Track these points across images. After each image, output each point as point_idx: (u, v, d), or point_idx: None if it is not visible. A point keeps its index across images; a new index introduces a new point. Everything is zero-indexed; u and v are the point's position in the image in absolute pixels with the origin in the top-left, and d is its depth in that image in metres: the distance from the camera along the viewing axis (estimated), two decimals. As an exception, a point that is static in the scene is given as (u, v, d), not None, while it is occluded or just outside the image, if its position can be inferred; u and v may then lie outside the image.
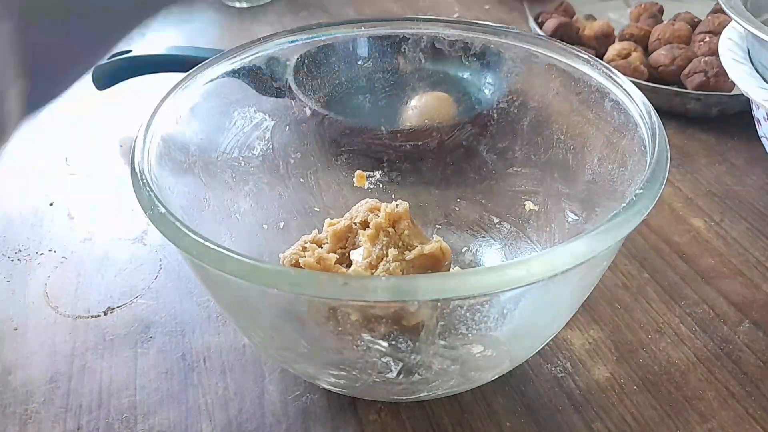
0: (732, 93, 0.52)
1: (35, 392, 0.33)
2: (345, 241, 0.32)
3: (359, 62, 0.38)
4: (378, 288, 0.21)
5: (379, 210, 0.32)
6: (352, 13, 0.76)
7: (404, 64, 0.38)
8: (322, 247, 0.32)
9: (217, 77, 0.33)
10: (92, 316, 0.37)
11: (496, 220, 0.38)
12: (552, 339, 0.31)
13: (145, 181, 0.25)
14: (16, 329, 0.36)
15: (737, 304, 0.37)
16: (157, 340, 0.35)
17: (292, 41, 0.36)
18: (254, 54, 0.35)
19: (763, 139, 0.45)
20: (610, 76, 0.31)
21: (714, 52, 0.54)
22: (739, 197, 0.45)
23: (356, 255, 0.31)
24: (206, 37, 0.71)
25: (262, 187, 0.36)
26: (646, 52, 0.60)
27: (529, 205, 0.37)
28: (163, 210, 0.23)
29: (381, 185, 0.40)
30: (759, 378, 0.33)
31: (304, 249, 0.31)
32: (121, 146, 0.52)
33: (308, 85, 0.38)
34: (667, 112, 0.53)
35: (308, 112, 0.38)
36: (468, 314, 0.26)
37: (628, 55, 0.58)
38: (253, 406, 0.32)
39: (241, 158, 0.36)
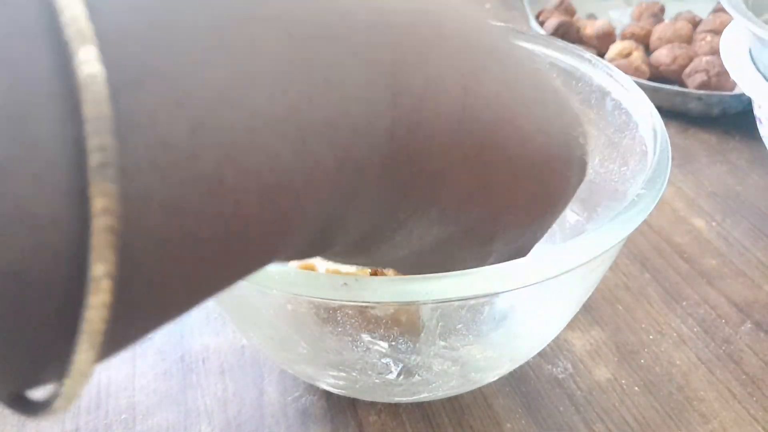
0: (733, 92, 0.52)
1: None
2: None
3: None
4: (378, 289, 0.21)
5: None
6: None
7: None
8: None
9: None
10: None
11: (497, 220, 0.38)
12: (553, 340, 0.31)
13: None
14: (14, 330, 0.36)
15: (739, 305, 0.37)
16: (155, 340, 0.35)
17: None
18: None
19: (764, 139, 0.45)
20: (611, 76, 0.31)
21: (715, 52, 0.54)
22: (741, 197, 0.45)
23: None
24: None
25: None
26: (648, 51, 0.60)
27: (529, 205, 0.37)
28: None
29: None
30: (760, 378, 0.33)
31: None
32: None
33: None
34: (668, 112, 0.53)
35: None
36: (468, 315, 0.26)
37: (629, 54, 0.57)
38: (252, 407, 0.32)
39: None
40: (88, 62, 0.09)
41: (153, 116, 0.10)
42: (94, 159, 0.09)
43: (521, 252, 0.21)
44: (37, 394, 0.12)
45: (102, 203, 0.09)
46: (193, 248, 0.11)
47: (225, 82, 0.11)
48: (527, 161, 0.17)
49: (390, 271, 0.29)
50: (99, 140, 0.09)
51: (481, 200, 0.17)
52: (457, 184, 0.16)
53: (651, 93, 0.31)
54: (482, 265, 0.21)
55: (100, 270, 0.09)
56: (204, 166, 0.10)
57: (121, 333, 0.11)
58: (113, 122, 0.09)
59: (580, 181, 0.20)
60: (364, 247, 0.17)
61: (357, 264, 0.20)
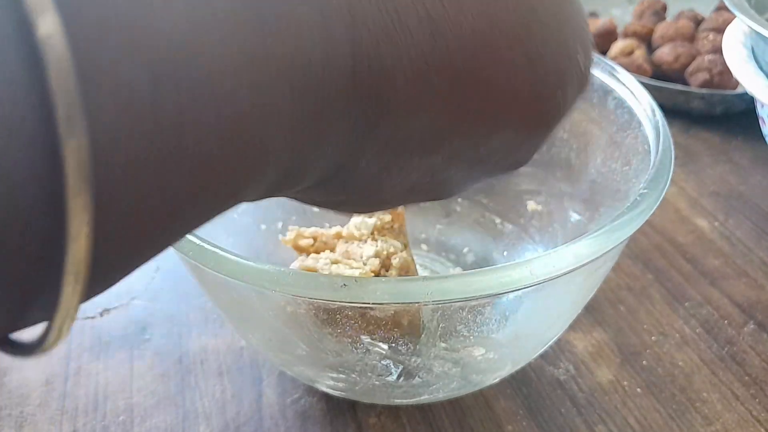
0: (736, 91, 0.52)
1: (31, 395, 0.32)
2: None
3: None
4: (378, 290, 0.20)
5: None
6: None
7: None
8: (315, 240, 0.31)
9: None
10: (88, 318, 0.36)
11: (498, 221, 0.38)
12: (555, 341, 0.31)
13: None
14: (11, 330, 0.36)
15: (742, 306, 0.37)
16: (153, 342, 0.35)
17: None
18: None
19: (767, 138, 0.44)
20: (613, 74, 0.31)
21: (718, 50, 0.54)
22: (744, 197, 0.45)
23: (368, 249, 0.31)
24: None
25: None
26: (650, 49, 0.59)
27: (531, 205, 0.36)
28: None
29: (381, 185, 0.40)
30: (763, 380, 0.33)
31: (314, 239, 0.30)
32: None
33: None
34: (670, 111, 0.53)
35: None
36: (469, 316, 0.26)
37: (631, 52, 0.57)
38: (250, 409, 0.31)
39: (239, 157, 0.35)
40: (47, 23, 0.09)
41: (115, 68, 0.10)
42: (61, 113, 0.09)
43: (516, 164, 0.20)
44: (26, 335, 0.12)
45: (73, 147, 0.09)
46: (161, 188, 0.11)
47: (181, 30, 0.11)
48: (510, 93, 0.16)
49: (393, 272, 0.29)
50: (65, 97, 0.09)
51: (460, 132, 0.16)
52: (432, 119, 0.16)
53: (653, 92, 0.31)
54: (473, 182, 0.19)
55: (79, 204, 0.10)
56: (165, 114, 0.11)
57: (105, 267, 0.11)
58: (76, 78, 0.09)
59: (576, 96, 0.19)
60: (338, 183, 0.17)
61: (338, 204, 0.19)
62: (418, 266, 0.30)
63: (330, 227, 0.31)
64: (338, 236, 0.32)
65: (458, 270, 0.37)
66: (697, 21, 0.61)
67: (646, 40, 0.60)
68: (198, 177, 0.12)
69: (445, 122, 0.16)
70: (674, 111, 0.53)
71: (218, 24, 0.12)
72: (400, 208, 0.31)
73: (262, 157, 0.13)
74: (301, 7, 0.13)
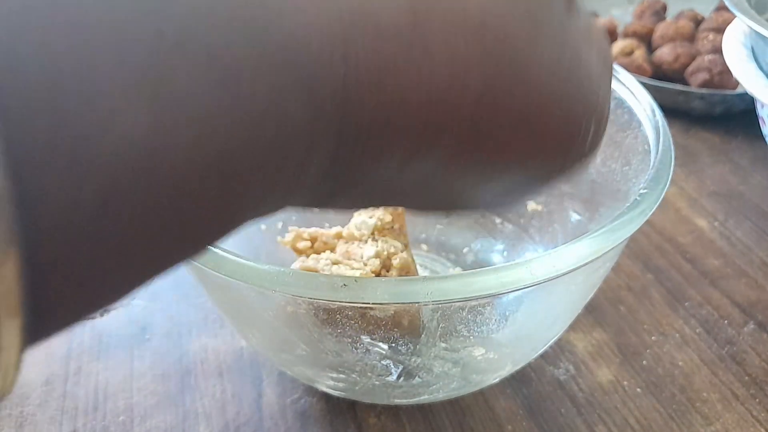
0: (736, 91, 0.52)
1: (31, 394, 0.32)
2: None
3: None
4: (377, 290, 0.20)
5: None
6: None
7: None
8: (314, 243, 0.31)
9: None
10: (88, 318, 0.36)
11: (498, 220, 0.38)
12: (555, 341, 0.31)
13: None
14: (11, 330, 0.36)
15: (742, 305, 0.37)
16: (153, 342, 0.35)
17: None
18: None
19: (767, 138, 0.44)
20: (613, 74, 0.31)
21: (718, 50, 0.54)
22: (744, 197, 0.45)
23: (368, 250, 0.31)
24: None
25: (260, 187, 0.36)
26: (650, 49, 0.60)
27: (531, 205, 0.36)
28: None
29: (381, 185, 0.39)
30: (763, 380, 0.33)
31: (313, 239, 0.30)
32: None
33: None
34: (670, 111, 0.53)
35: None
36: (469, 316, 0.26)
37: (631, 52, 0.57)
38: (250, 410, 0.31)
39: (239, 157, 0.35)
40: None
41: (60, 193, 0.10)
42: None
43: (521, 192, 0.19)
44: None
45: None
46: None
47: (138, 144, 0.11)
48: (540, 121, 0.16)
49: (393, 272, 0.29)
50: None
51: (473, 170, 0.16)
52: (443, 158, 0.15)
53: (653, 92, 0.31)
54: (479, 198, 0.19)
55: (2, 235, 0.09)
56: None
57: (51, 307, 0.11)
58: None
59: (599, 130, 0.18)
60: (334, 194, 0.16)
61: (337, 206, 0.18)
62: (418, 266, 0.30)
63: (330, 227, 0.31)
64: (338, 236, 0.32)
65: (458, 270, 0.37)
66: (697, 21, 0.61)
67: (646, 40, 0.60)
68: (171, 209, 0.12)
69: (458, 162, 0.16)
70: (674, 111, 0.53)
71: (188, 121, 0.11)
72: (401, 208, 0.31)
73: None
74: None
